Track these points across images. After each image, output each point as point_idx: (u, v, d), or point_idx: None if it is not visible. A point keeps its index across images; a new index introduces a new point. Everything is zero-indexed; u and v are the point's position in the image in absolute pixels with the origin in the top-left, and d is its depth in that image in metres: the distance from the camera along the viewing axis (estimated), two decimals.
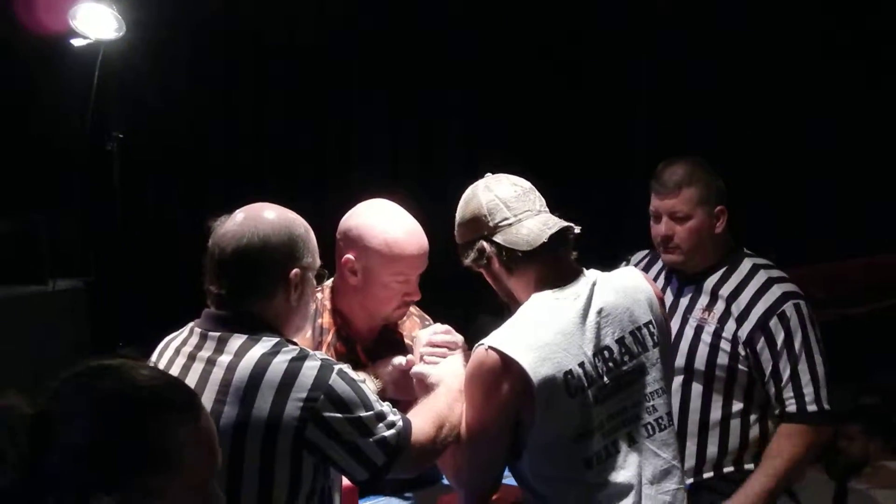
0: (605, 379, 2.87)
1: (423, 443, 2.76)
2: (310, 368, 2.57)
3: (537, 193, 3.01)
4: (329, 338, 3.34)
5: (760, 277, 3.74)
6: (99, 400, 1.71)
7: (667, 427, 2.99)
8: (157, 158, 5.76)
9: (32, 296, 5.16)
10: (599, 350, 2.88)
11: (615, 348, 2.91)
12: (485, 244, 2.93)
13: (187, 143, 5.93)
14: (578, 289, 2.92)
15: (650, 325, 3.00)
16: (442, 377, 3.01)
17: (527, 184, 3.02)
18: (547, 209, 3.00)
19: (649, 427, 2.95)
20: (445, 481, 3.26)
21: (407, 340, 3.47)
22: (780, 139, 7.58)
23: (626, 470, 2.88)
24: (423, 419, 2.80)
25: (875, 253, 7.59)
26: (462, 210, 3.01)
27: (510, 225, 2.91)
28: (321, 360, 2.62)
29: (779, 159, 7.61)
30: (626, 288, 3.01)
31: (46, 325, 5.11)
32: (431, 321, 3.57)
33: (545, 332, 2.81)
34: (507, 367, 2.75)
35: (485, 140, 6.94)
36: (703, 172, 3.76)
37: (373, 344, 3.42)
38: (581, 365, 2.81)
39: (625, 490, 2.86)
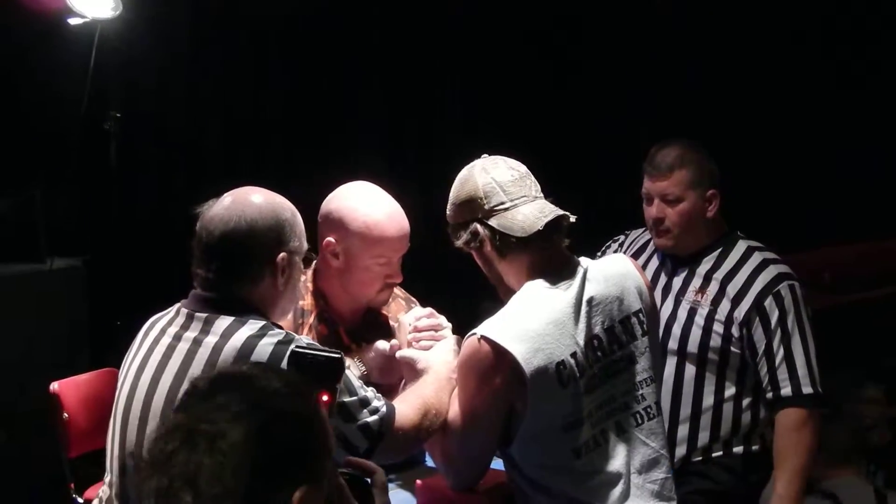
0: (595, 368, 2.88)
1: (407, 429, 2.77)
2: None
3: (533, 178, 2.99)
4: (311, 320, 3.35)
5: (756, 258, 3.74)
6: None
7: (655, 416, 2.99)
8: (154, 137, 5.75)
9: (30, 274, 5.15)
10: (590, 340, 2.88)
11: (604, 338, 2.91)
12: (478, 227, 2.92)
13: (185, 122, 5.92)
14: (570, 278, 2.91)
15: (639, 314, 3.00)
16: (431, 363, 3.01)
17: (523, 168, 3.00)
18: (542, 195, 2.98)
19: (638, 416, 2.95)
20: (429, 463, 3.28)
21: (392, 323, 3.47)
22: (789, 121, 7.56)
23: (614, 459, 2.88)
24: (408, 406, 2.81)
25: (885, 238, 7.57)
26: (457, 190, 2.99)
27: (506, 210, 2.89)
28: (307, 343, 2.63)
29: (789, 143, 7.60)
30: (615, 276, 3.01)
31: (43, 303, 5.12)
32: (417, 303, 3.57)
33: (537, 322, 2.81)
34: (501, 357, 2.75)
35: (485, 122, 6.94)
36: (696, 155, 3.75)
37: (356, 326, 3.42)
38: (573, 355, 2.82)
39: (613, 479, 2.87)
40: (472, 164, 3.01)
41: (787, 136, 7.61)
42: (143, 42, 5.41)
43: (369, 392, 2.71)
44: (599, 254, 4.06)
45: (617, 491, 2.86)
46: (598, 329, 2.90)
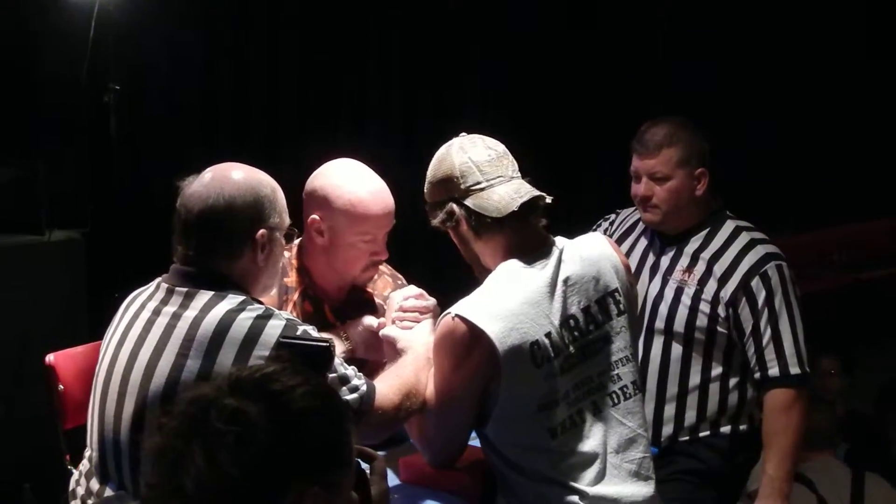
0: (571, 349, 2.88)
1: (387, 409, 2.77)
2: (273, 327, 2.60)
3: (511, 158, 3.00)
4: (295, 297, 3.35)
5: (743, 238, 3.74)
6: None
7: (632, 396, 2.99)
8: (155, 110, 5.74)
9: (29, 246, 5.14)
10: (566, 320, 2.88)
11: (581, 318, 2.92)
12: (454, 206, 2.93)
13: (186, 94, 5.91)
14: (545, 258, 2.91)
15: (616, 294, 3.00)
16: (411, 343, 3.02)
17: (501, 147, 3.00)
18: (519, 175, 2.98)
19: (614, 396, 2.96)
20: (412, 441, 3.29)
21: (378, 300, 3.47)
22: (801, 101, 7.55)
23: (590, 439, 2.89)
24: (387, 385, 2.81)
25: None
26: (434, 169, 3.00)
27: (482, 189, 2.90)
28: (286, 319, 2.64)
29: (803, 121, 7.59)
30: (591, 256, 3.01)
31: (42, 275, 5.11)
32: (404, 280, 3.57)
33: (512, 301, 2.81)
34: (475, 336, 2.76)
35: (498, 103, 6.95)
36: (685, 133, 3.74)
37: (341, 304, 3.42)
38: (548, 335, 2.82)
39: (589, 459, 2.88)
40: (449, 142, 3.01)
41: (803, 117, 7.60)
42: (144, 13, 5.39)
43: (349, 370, 2.72)
44: (591, 230, 4.06)
45: (593, 471, 2.87)
46: (574, 309, 2.90)
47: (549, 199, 2.94)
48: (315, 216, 3.27)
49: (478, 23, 7.00)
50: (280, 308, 3.18)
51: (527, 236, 2.93)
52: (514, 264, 2.89)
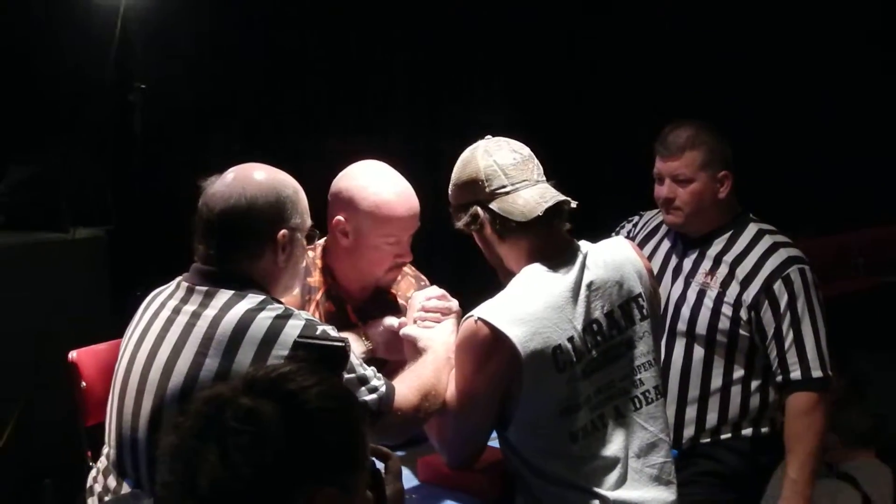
0: (594, 353, 2.88)
1: (406, 410, 2.77)
2: (293, 327, 2.59)
3: (536, 162, 3.00)
4: (318, 296, 3.35)
5: (766, 242, 3.73)
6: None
7: (654, 400, 2.99)
8: (179, 108, 5.75)
9: (52, 243, 5.17)
10: (588, 324, 2.88)
11: (604, 322, 2.91)
12: (479, 210, 2.93)
13: (210, 93, 5.92)
14: (569, 262, 2.91)
15: (639, 298, 3.00)
16: (431, 343, 3.02)
17: (527, 150, 3.00)
18: (544, 178, 2.99)
19: (636, 400, 2.96)
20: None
21: (401, 301, 3.47)
22: (827, 102, 7.50)
23: (612, 444, 2.89)
24: (407, 386, 2.81)
25: None
26: (459, 172, 3.00)
27: (507, 193, 2.90)
28: (305, 319, 2.64)
29: (826, 123, 7.54)
30: (615, 261, 3.00)
31: (66, 272, 5.14)
32: (427, 281, 3.57)
33: (535, 305, 2.81)
34: (497, 340, 2.76)
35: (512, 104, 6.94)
36: (708, 136, 3.74)
37: (364, 304, 3.42)
38: (570, 340, 2.82)
39: (611, 463, 2.88)
40: (475, 145, 3.01)
41: (824, 118, 7.55)
42: (169, 12, 5.40)
43: (368, 371, 2.72)
44: (614, 233, 4.06)
45: (614, 475, 2.87)
46: (597, 314, 2.90)
47: (573, 204, 2.93)
48: (340, 217, 3.28)
49: (497, 27, 6.99)
50: (303, 308, 3.18)
51: (551, 241, 2.93)
52: (537, 268, 2.89)
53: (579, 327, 2.84)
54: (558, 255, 2.92)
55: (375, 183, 3.26)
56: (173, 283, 2.81)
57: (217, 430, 1.71)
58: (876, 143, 7.59)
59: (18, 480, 4.83)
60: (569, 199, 2.92)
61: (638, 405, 2.95)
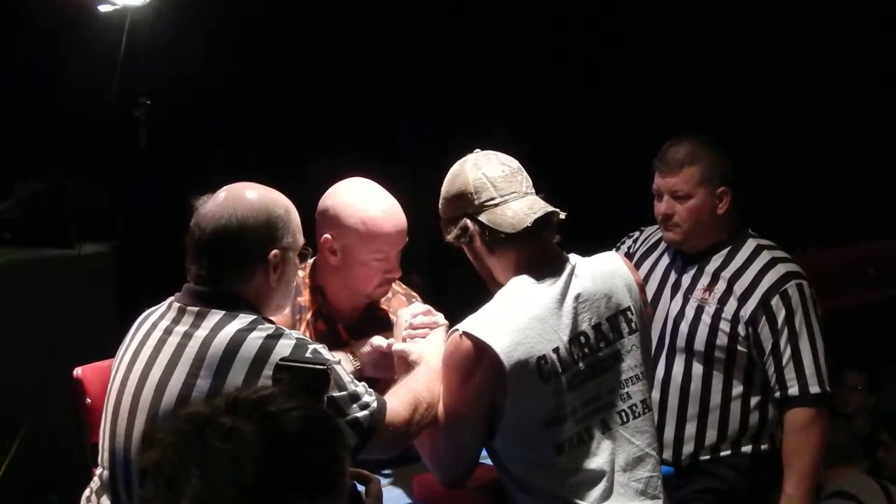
0: (581, 365, 2.88)
1: (398, 424, 2.77)
2: (284, 346, 2.60)
3: (525, 174, 3.01)
4: (308, 316, 3.36)
5: (764, 257, 3.72)
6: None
7: (641, 414, 2.98)
8: (184, 124, 5.78)
9: (58, 259, 5.20)
10: (576, 336, 2.88)
11: (591, 334, 2.91)
12: (468, 222, 2.94)
13: (215, 109, 5.95)
14: (556, 273, 2.92)
15: (628, 312, 3.00)
16: (423, 355, 3.02)
17: (515, 163, 3.02)
18: (533, 191, 3.00)
19: (623, 414, 2.95)
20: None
21: (392, 317, 3.46)
22: (839, 111, 7.48)
23: (598, 457, 2.89)
24: (398, 401, 2.81)
25: None
26: (448, 185, 3.01)
27: (496, 205, 2.91)
28: (296, 338, 2.64)
29: (837, 135, 7.53)
30: (604, 274, 3.01)
31: (72, 288, 5.14)
32: (419, 298, 3.57)
33: (519, 316, 2.82)
34: (481, 351, 2.77)
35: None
36: (706, 152, 3.73)
37: (355, 323, 3.42)
38: (556, 350, 2.82)
39: (596, 476, 2.87)
40: (464, 158, 3.03)
41: (835, 129, 7.54)
42: (174, 29, 5.42)
43: (360, 387, 2.72)
44: (615, 249, 4.05)
45: (599, 489, 2.87)
46: (584, 326, 2.90)
47: (562, 215, 2.95)
48: (327, 235, 3.28)
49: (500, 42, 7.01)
50: (293, 327, 3.18)
51: (539, 252, 2.94)
52: (523, 280, 2.90)
53: (565, 339, 2.85)
54: (546, 266, 2.93)
55: (362, 200, 3.27)
56: (165, 304, 2.82)
57: (198, 447, 1.72)
58: (887, 153, 7.57)
59: (24, 496, 4.85)
60: (557, 210, 2.93)
61: (625, 419, 2.95)
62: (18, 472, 4.74)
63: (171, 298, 2.81)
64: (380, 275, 3.30)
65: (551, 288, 2.89)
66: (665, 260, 3.92)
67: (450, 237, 3.01)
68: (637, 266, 3.90)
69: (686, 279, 3.81)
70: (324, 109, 6.41)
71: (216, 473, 1.70)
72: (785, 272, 3.66)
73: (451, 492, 3.03)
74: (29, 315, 4.97)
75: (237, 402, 1.80)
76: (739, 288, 3.68)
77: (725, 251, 3.77)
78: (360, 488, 2.10)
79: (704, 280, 3.76)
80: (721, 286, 3.71)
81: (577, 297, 2.90)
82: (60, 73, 5.43)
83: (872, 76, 7.40)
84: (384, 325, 3.42)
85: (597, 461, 2.88)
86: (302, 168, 5.95)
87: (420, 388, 2.88)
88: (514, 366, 2.76)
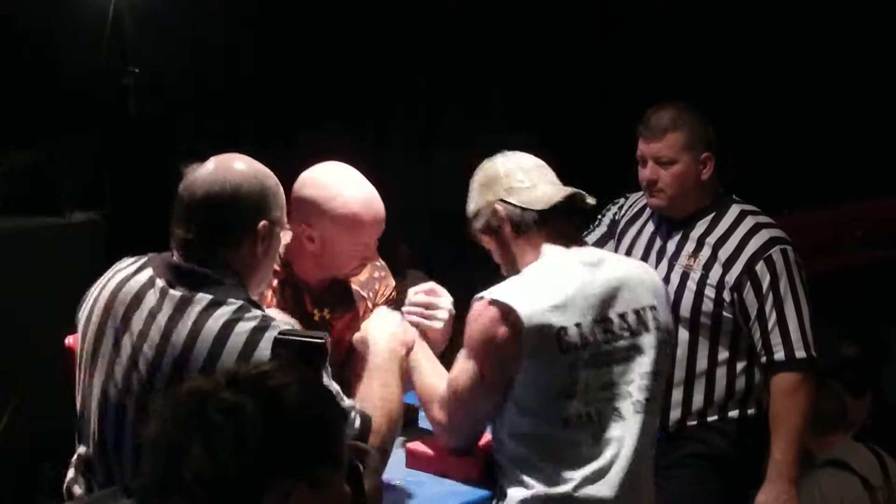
0: (602, 347, 2.94)
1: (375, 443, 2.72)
2: (269, 341, 2.53)
3: (552, 171, 3.11)
4: (275, 284, 3.26)
5: (748, 223, 3.74)
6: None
7: (651, 412, 3.03)
8: (174, 92, 5.78)
9: (48, 227, 5.20)
10: (602, 318, 2.94)
11: (616, 321, 2.98)
12: (498, 207, 3.01)
13: (205, 77, 5.95)
14: (584, 257, 3.00)
15: (654, 310, 3.05)
16: (371, 344, 2.99)
17: (541, 161, 3.12)
18: (560, 184, 3.09)
19: (637, 405, 2.99)
20: (422, 424, 3.33)
21: (355, 286, 3.42)
22: (828, 70, 7.49)
23: (600, 441, 2.95)
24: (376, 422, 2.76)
25: None
26: (478, 177, 3.12)
27: (526, 187, 3.00)
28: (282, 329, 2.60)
29: (824, 96, 7.53)
30: (632, 268, 3.13)
31: (62, 256, 5.16)
32: (384, 264, 3.51)
33: (548, 288, 2.90)
34: (506, 315, 2.85)
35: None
36: (690, 118, 3.74)
37: (321, 294, 3.35)
38: (578, 325, 2.89)
39: (594, 455, 2.93)
40: (492, 157, 3.13)
41: (822, 90, 7.55)
42: None
43: (346, 401, 2.67)
44: (600, 215, 4.08)
45: (591, 469, 2.92)
46: (609, 311, 2.97)
47: (591, 200, 3.04)
48: (305, 224, 3.19)
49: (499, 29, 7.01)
50: (259, 295, 3.10)
51: (567, 237, 3.02)
52: (554, 256, 2.97)
53: (589, 317, 2.91)
54: (574, 249, 3.01)
55: (342, 192, 3.18)
56: (144, 273, 2.72)
57: (200, 422, 1.74)
58: (873, 115, 7.58)
59: (18, 464, 4.87)
60: (584, 193, 3.02)
61: (638, 410, 2.99)
62: (12, 440, 4.76)
63: (150, 267, 2.73)
64: (358, 259, 3.27)
65: (580, 268, 2.96)
66: (650, 227, 3.93)
67: (478, 225, 3.08)
68: (622, 233, 3.96)
69: (671, 245, 3.83)
70: (313, 79, 6.40)
71: (219, 446, 1.72)
72: (769, 237, 3.68)
73: (446, 460, 3.10)
74: (19, 283, 4.97)
75: (237, 377, 1.82)
76: (724, 254, 3.70)
77: (710, 217, 3.78)
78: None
79: (689, 246, 3.78)
80: (706, 252, 3.74)
81: (606, 282, 2.97)
82: (48, 42, 5.42)
83: (856, 39, 7.40)
84: (349, 296, 3.39)
85: (598, 443, 2.94)
86: (293, 136, 5.96)
87: (376, 396, 2.85)
88: (536, 329, 2.83)
